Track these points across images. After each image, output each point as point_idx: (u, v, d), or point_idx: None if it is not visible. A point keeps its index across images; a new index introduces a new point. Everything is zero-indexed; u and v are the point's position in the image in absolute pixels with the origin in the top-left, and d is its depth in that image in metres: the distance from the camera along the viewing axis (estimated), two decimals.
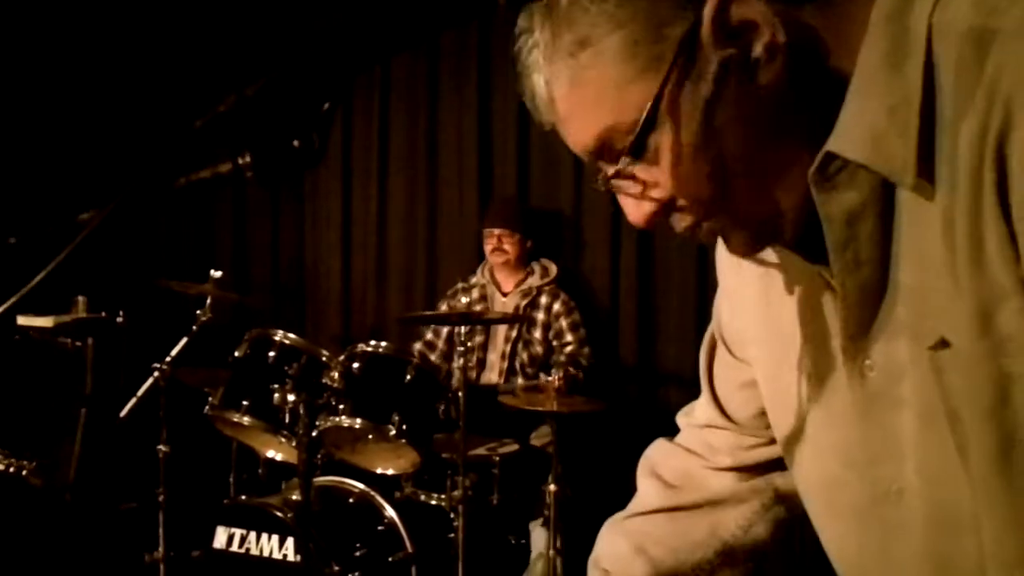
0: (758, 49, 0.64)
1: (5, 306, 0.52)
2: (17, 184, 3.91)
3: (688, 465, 1.03)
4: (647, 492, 1.05)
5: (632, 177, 0.70)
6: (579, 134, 0.70)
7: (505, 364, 3.49)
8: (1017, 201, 0.57)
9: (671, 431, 1.12)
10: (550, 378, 2.91)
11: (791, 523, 0.99)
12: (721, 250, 0.86)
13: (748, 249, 0.74)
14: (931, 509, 0.69)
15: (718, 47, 0.64)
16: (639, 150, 0.67)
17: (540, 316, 3.50)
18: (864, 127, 0.63)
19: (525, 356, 3.48)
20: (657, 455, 1.08)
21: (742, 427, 0.99)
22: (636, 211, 0.72)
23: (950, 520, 0.68)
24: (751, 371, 0.92)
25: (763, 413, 0.93)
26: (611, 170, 0.70)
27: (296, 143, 0.55)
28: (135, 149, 4.03)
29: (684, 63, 0.64)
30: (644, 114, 0.65)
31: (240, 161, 0.55)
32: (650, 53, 0.64)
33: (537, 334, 3.48)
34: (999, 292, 0.59)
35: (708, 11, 0.63)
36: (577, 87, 0.67)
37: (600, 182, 0.71)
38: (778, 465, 0.97)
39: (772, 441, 0.94)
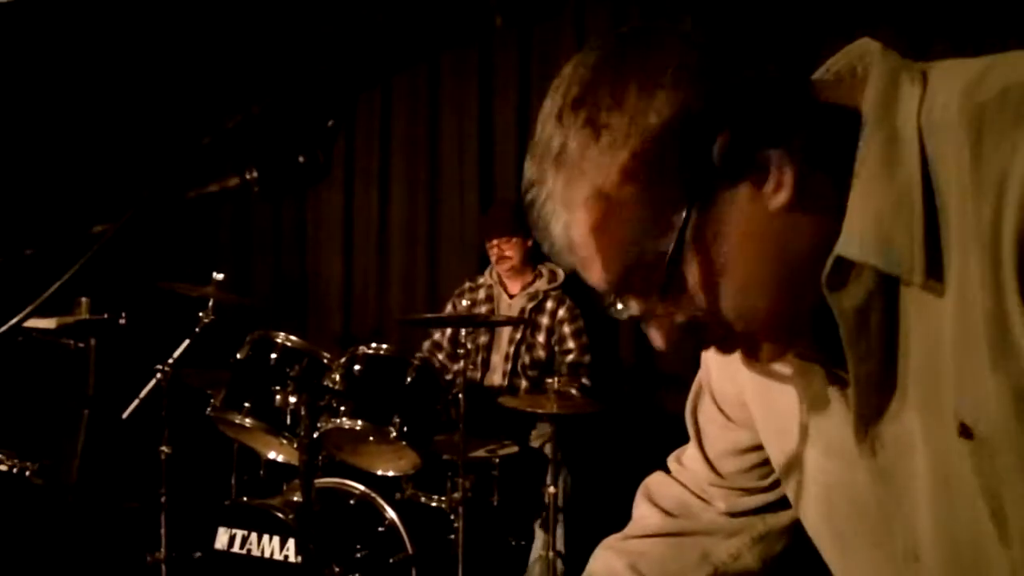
0: (767, 177, 0.66)
1: (17, 319, 0.53)
2: (31, 197, 3.94)
3: (684, 497, 1.07)
4: (643, 517, 1.09)
5: (659, 306, 0.72)
6: (603, 274, 0.72)
7: (508, 366, 3.51)
8: None
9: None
10: (550, 380, 2.92)
11: (780, 555, 1.04)
12: None
13: (776, 356, 0.76)
14: (949, 574, 0.71)
15: (730, 180, 0.66)
16: (668, 285, 0.69)
17: (544, 320, 3.51)
18: (869, 231, 0.65)
19: (528, 359, 3.50)
20: (655, 484, 1.11)
21: (732, 480, 1.02)
22: (665, 338, 0.74)
23: None
24: (743, 435, 0.96)
25: (754, 468, 0.98)
26: (636, 305, 0.73)
27: (301, 159, 0.57)
28: (145, 163, 4.07)
29: (701, 198, 0.66)
30: (669, 251, 0.67)
31: (247, 176, 0.57)
32: (666, 194, 0.67)
33: (541, 338, 3.50)
34: None
35: (718, 149, 0.65)
36: (597, 232, 0.69)
37: (622, 312, 0.74)
38: (771, 508, 1.01)
39: (765, 489, 0.99)
